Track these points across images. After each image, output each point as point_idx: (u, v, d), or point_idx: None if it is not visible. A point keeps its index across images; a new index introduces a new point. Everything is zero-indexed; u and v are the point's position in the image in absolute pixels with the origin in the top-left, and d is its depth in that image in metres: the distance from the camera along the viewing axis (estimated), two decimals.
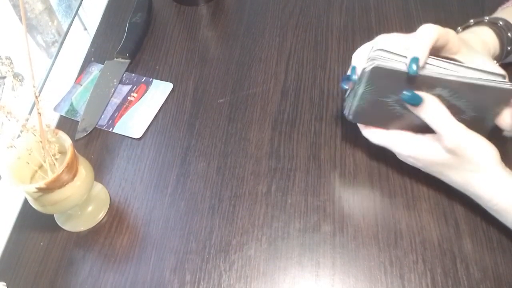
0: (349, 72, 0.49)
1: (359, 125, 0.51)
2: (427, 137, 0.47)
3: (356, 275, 0.47)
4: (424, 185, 0.51)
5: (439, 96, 0.46)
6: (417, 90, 0.45)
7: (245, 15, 0.71)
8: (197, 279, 0.48)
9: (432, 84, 0.45)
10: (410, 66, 0.44)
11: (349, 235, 0.49)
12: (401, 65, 0.45)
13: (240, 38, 0.68)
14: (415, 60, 0.43)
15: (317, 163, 0.54)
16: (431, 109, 0.45)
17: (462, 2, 0.68)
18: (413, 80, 0.45)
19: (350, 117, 0.50)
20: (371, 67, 0.45)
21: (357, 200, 0.51)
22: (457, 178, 0.46)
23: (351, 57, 0.63)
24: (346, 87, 0.50)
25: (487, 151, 0.45)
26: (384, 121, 0.49)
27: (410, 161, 0.49)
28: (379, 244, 0.48)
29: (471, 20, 0.54)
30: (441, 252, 0.47)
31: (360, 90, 0.47)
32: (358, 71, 0.48)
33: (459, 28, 0.55)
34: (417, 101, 0.45)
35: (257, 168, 0.55)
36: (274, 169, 0.54)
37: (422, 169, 0.49)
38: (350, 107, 0.50)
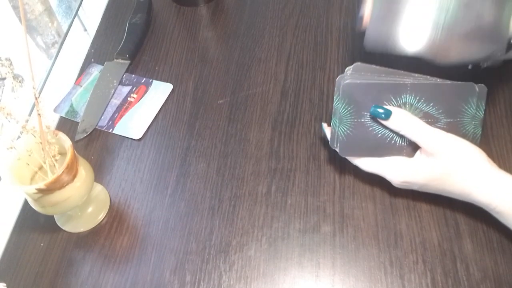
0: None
1: (350, 158, 0.51)
2: (415, 159, 0.48)
3: (356, 275, 0.47)
4: None
5: (410, 105, 0.47)
6: (386, 100, 0.47)
7: (245, 16, 0.71)
8: (197, 280, 0.48)
9: (396, 90, 0.47)
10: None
11: (349, 235, 0.49)
12: (368, 79, 0.48)
13: (240, 39, 0.68)
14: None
15: (317, 163, 0.54)
16: (402, 118, 0.47)
17: None
18: (378, 91, 0.47)
19: (338, 149, 0.50)
20: (344, 83, 0.47)
21: (357, 200, 0.51)
22: (453, 189, 0.46)
23: (350, 58, 0.64)
24: (325, 129, 0.52)
25: (470, 149, 0.45)
26: (372, 149, 0.49)
27: (404, 185, 0.48)
28: (379, 245, 0.48)
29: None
30: (441, 252, 0.47)
31: (340, 112, 0.48)
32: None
33: None
34: (387, 115, 0.47)
35: (257, 169, 0.55)
36: (274, 170, 0.54)
37: (419, 190, 0.49)
38: (337, 137, 0.50)
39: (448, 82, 0.48)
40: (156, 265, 0.49)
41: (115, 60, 0.66)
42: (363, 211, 0.50)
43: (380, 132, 0.48)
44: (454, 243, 0.48)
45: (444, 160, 0.45)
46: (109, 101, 0.63)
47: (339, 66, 0.63)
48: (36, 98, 0.43)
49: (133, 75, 0.65)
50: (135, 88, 0.64)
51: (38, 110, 0.43)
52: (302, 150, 0.56)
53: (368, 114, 0.48)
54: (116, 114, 0.61)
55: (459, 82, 0.47)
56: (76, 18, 0.77)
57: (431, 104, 0.47)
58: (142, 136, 0.59)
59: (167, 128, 0.60)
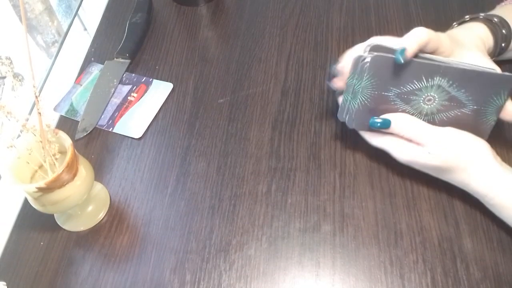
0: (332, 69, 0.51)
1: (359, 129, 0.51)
2: (424, 145, 0.48)
3: (356, 275, 0.47)
4: (424, 185, 0.51)
5: (438, 87, 0.47)
6: (417, 79, 0.46)
7: (245, 15, 0.71)
8: (197, 279, 0.48)
9: (430, 72, 0.46)
10: (397, 54, 0.45)
11: (349, 235, 0.49)
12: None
13: (240, 38, 0.68)
14: (402, 50, 0.45)
15: (317, 163, 0.54)
16: (402, 123, 0.47)
17: (462, 2, 0.68)
18: (412, 69, 0.46)
19: (348, 120, 0.50)
20: (370, 57, 0.46)
21: (357, 200, 0.51)
22: (453, 177, 0.47)
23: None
24: (333, 86, 0.51)
25: (474, 142, 0.46)
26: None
27: (408, 164, 0.49)
28: (379, 244, 0.48)
29: (467, 16, 0.55)
30: (441, 252, 0.47)
31: (362, 84, 0.47)
32: (340, 66, 0.50)
33: (454, 23, 0.56)
34: (387, 124, 0.48)
35: (257, 168, 0.55)
36: (274, 169, 0.54)
37: (419, 170, 0.50)
38: (348, 109, 0.50)
39: (487, 70, 0.47)
40: (156, 264, 0.49)
41: (115, 59, 0.66)
42: (363, 210, 0.50)
43: (401, 107, 0.48)
44: (454, 243, 0.48)
45: (448, 153, 0.46)
46: (109, 100, 0.62)
47: None
48: (36, 97, 0.43)
49: (133, 74, 0.65)
50: (135, 87, 0.64)
51: (38, 109, 0.43)
52: (302, 149, 0.56)
53: (393, 89, 0.47)
54: (116, 113, 0.61)
55: (498, 73, 0.47)
56: (76, 17, 0.77)
57: (462, 90, 0.47)
58: (142, 135, 0.59)
59: (167, 127, 0.60)
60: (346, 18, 0.68)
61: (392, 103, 0.48)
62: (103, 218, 0.53)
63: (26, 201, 0.54)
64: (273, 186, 0.53)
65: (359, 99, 0.48)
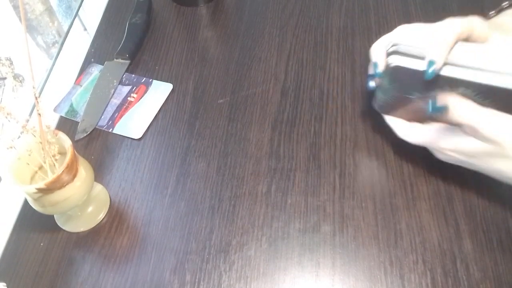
0: (371, 72, 0.50)
1: (394, 128, 0.50)
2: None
3: (356, 275, 0.47)
4: (424, 185, 0.51)
5: (463, 95, 0.44)
6: (440, 88, 0.45)
7: (245, 16, 0.71)
8: (197, 280, 0.48)
9: (455, 84, 0.44)
10: (426, 70, 0.43)
11: (349, 235, 0.49)
12: (421, 64, 0.44)
13: (240, 39, 0.68)
14: (431, 64, 0.43)
15: (317, 163, 0.54)
16: (459, 110, 0.43)
17: (462, 2, 0.68)
18: (435, 80, 0.44)
19: (377, 108, 0.51)
20: (392, 65, 0.45)
21: (357, 201, 0.51)
22: (501, 165, 0.43)
23: (350, 57, 0.64)
24: (373, 85, 0.50)
25: None
26: (412, 113, 0.48)
27: (450, 155, 0.46)
28: (379, 244, 0.48)
29: (505, 3, 0.51)
30: (441, 252, 0.47)
31: (385, 85, 0.47)
32: (381, 66, 0.48)
33: (491, 12, 0.53)
34: (441, 110, 0.44)
35: (257, 168, 0.55)
36: (274, 169, 0.54)
37: (462, 164, 0.46)
38: (378, 99, 0.50)
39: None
40: (156, 265, 0.49)
41: (115, 59, 0.66)
42: (363, 211, 0.50)
43: (424, 106, 0.46)
44: (454, 243, 0.48)
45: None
46: (109, 101, 0.63)
47: (339, 66, 0.63)
48: (36, 98, 0.43)
49: (133, 75, 0.65)
50: (135, 87, 0.64)
51: (38, 110, 0.43)
52: (302, 149, 0.56)
53: (416, 93, 0.46)
54: (116, 114, 0.61)
55: None
56: (76, 17, 0.77)
57: (488, 100, 0.43)
58: (142, 135, 0.59)
59: (167, 127, 0.60)
60: (346, 19, 0.68)
61: (415, 102, 0.47)
62: (103, 219, 0.53)
63: (26, 202, 0.54)
64: (273, 187, 0.53)
65: (385, 96, 0.48)
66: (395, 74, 0.46)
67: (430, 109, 0.44)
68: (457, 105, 0.43)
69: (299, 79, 0.62)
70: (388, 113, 0.50)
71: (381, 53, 0.48)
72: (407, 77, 0.46)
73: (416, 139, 0.48)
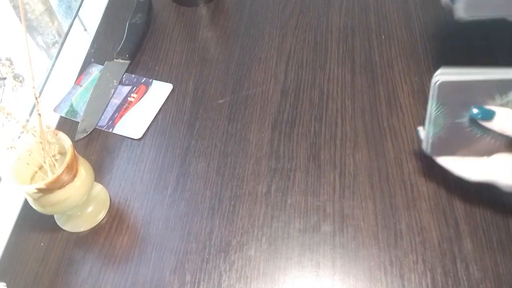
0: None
1: (450, 167, 0.47)
2: None
3: (356, 275, 0.47)
4: (424, 185, 0.51)
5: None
6: (489, 98, 0.43)
7: (244, 16, 0.71)
8: (197, 280, 0.48)
9: (504, 87, 0.42)
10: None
11: (349, 235, 0.49)
12: (467, 76, 0.42)
13: (240, 39, 0.68)
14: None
15: (317, 163, 0.54)
16: (507, 118, 0.42)
17: None
18: (483, 87, 0.42)
19: (429, 150, 0.47)
20: (438, 83, 0.43)
21: (357, 201, 0.51)
22: None
23: (350, 57, 0.64)
24: (420, 133, 0.48)
25: None
26: (468, 148, 0.45)
27: None
28: (379, 244, 0.48)
29: None
30: (441, 252, 0.47)
31: (433, 114, 0.44)
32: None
33: None
34: (490, 115, 0.42)
35: (257, 168, 0.55)
36: (274, 169, 0.54)
37: None
38: (427, 138, 0.46)
39: None
40: (156, 265, 0.49)
41: (115, 60, 0.66)
42: (363, 211, 0.50)
43: (478, 134, 0.44)
44: (454, 243, 0.48)
45: None
46: (109, 101, 0.63)
47: (339, 66, 0.63)
48: (36, 98, 0.43)
49: (133, 75, 0.65)
50: (135, 88, 0.64)
51: (38, 110, 0.43)
52: (302, 150, 0.56)
53: (466, 114, 0.44)
54: (116, 114, 0.61)
55: None
56: (76, 17, 0.77)
57: None
58: (142, 136, 0.59)
59: (167, 128, 0.60)
60: (346, 19, 0.68)
61: (469, 129, 0.44)
62: (103, 219, 0.53)
63: (26, 202, 0.54)
64: (273, 187, 0.53)
65: (433, 131, 0.45)
66: (442, 94, 0.43)
67: (475, 114, 0.42)
68: (506, 115, 0.42)
69: (299, 79, 0.62)
70: (442, 153, 0.47)
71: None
72: (455, 94, 0.43)
73: (481, 176, 0.45)
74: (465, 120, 0.44)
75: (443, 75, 0.43)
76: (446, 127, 0.45)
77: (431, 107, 0.45)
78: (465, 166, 0.46)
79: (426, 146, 0.47)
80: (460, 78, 0.43)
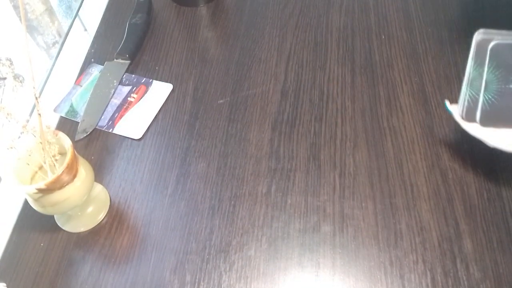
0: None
1: (485, 137, 0.43)
2: None
3: (356, 275, 0.47)
4: (424, 185, 0.51)
5: None
6: None
7: (245, 16, 0.71)
8: (197, 280, 0.48)
9: None
10: None
11: (349, 235, 0.49)
12: None
13: (240, 39, 0.68)
14: None
15: (317, 163, 0.54)
16: None
17: (462, 2, 0.68)
18: None
19: (478, 120, 0.43)
20: (492, 44, 0.40)
21: (357, 201, 0.51)
22: None
23: (350, 58, 0.64)
24: (449, 107, 0.45)
25: None
26: None
27: None
28: (379, 244, 0.48)
29: None
30: (441, 252, 0.47)
31: (486, 78, 0.41)
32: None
33: None
34: None
35: (257, 169, 0.55)
36: (274, 170, 0.54)
37: None
38: (478, 106, 0.42)
39: None
40: (156, 265, 0.49)
41: (115, 60, 0.66)
42: (363, 211, 0.50)
43: None
44: (454, 243, 0.48)
45: None
46: (109, 101, 0.63)
47: (339, 66, 0.63)
48: (36, 98, 0.43)
49: (133, 75, 0.65)
50: (135, 88, 0.64)
51: (38, 110, 0.43)
52: (302, 150, 0.56)
53: None
54: (116, 114, 0.61)
55: None
56: (76, 18, 0.77)
57: None
58: (142, 136, 0.59)
59: (167, 128, 0.60)
60: (346, 19, 0.68)
61: None
62: (103, 219, 0.53)
63: (26, 202, 0.54)
64: (273, 187, 0.53)
65: (486, 96, 0.42)
66: (497, 55, 0.40)
67: None
68: None
69: (299, 80, 0.62)
70: (490, 123, 0.43)
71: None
72: (509, 56, 0.40)
73: None
74: None
75: (490, 35, 0.40)
76: (499, 93, 0.41)
77: (478, 72, 0.41)
78: (504, 137, 0.43)
79: (479, 118, 0.43)
80: None
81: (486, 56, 0.41)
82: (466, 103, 0.44)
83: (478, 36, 0.41)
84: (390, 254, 0.47)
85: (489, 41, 0.40)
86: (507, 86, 0.41)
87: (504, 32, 0.41)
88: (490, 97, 0.42)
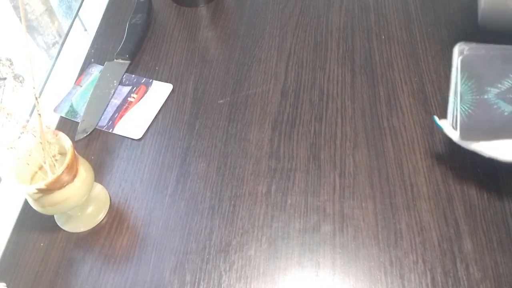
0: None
1: (480, 149, 0.44)
2: None
3: (356, 275, 0.47)
4: (424, 185, 0.51)
5: None
6: None
7: (245, 16, 0.71)
8: (197, 280, 0.48)
9: None
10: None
11: (349, 235, 0.49)
12: (492, 50, 0.41)
13: (240, 39, 0.68)
14: None
15: (317, 163, 0.54)
16: None
17: (462, 2, 0.68)
18: (509, 58, 0.41)
19: (458, 133, 0.44)
20: (463, 55, 0.41)
21: (357, 201, 0.51)
22: None
23: (350, 57, 0.64)
24: (438, 121, 0.46)
25: None
26: (498, 130, 0.43)
27: None
28: (379, 244, 0.48)
29: None
30: (441, 252, 0.47)
31: (459, 89, 0.42)
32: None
33: None
34: None
35: (257, 169, 0.55)
36: (274, 170, 0.54)
37: None
38: (455, 116, 0.44)
39: None
40: (156, 265, 0.49)
41: (115, 60, 0.66)
42: (363, 211, 0.50)
43: (507, 110, 0.42)
44: (454, 243, 0.48)
45: None
46: (109, 101, 0.63)
47: (339, 66, 0.63)
48: (36, 98, 0.43)
49: (133, 75, 0.65)
50: (135, 88, 0.64)
51: (38, 110, 0.43)
52: (302, 150, 0.56)
53: (492, 89, 0.41)
54: (116, 114, 0.61)
55: None
56: (76, 18, 0.77)
57: None
58: (142, 136, 0.59)
59: (167, 128, 0.60)
60: (346, 19, 0.68)
61: (495, 106, 0.42)
62: (103, 219, 0.53)
63: (26, 202, 0.54)
64: (273, 187, 0.53)
65: (463, 107, 0.42)
66: (468, 66, 0.41)
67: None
68: None
69: (299, 79, 0.62)
70: (471, 136, 0.44)
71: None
72: (481, 67, 0.41)
73: None
74: (491, 95, 0.42)
75: (467, 46, 0.41)
76: (474, 104, 0.42)
77: (457, 83, 0.42)
78: (498, 146, 0.43)
79: (459, 134, 0.44)
80: (485, 51, 0.41)
81: (458, 68, 0.42)
82: (457, 114, 0.44)
83: (455, 48, 0.43)
84: (390, 254, 0.47)
85: (461, 52, 0.42)
86: (481, 97, 0.42)
87: (481, 45, 0.42)
88: (466, 108, 0.43)
